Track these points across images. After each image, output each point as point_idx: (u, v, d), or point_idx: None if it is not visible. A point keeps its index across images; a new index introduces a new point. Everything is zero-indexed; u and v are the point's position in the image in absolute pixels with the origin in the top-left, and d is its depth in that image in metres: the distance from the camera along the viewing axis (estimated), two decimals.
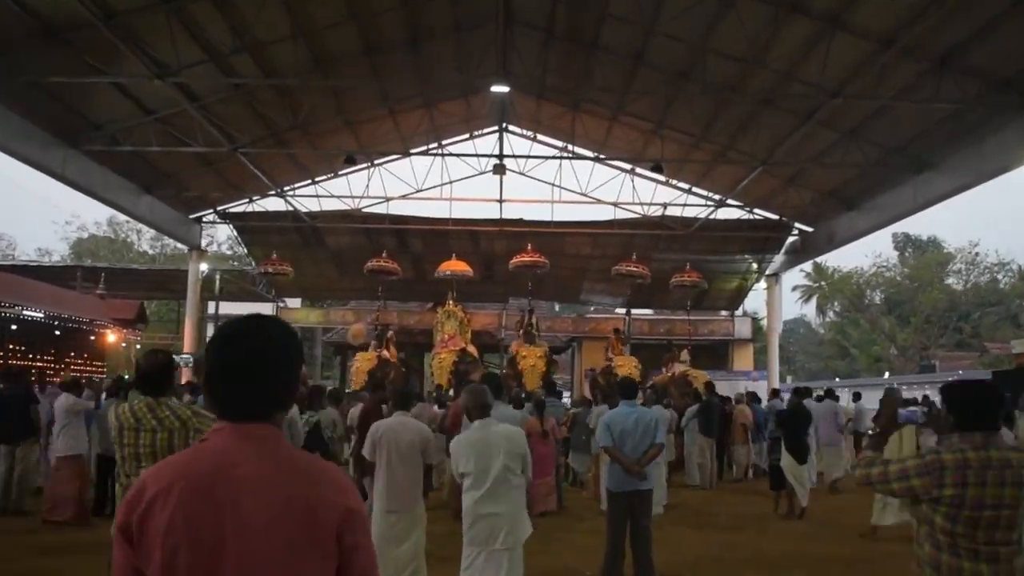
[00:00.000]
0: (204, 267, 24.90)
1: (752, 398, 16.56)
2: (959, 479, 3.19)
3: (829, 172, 20.78)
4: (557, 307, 37.01)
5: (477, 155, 23.12)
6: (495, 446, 5.27)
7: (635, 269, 20.14)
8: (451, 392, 16.10)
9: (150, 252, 37.59)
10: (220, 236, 32.29)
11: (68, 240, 37.36)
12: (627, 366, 18.81)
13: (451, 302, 20.31)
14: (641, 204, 24.27)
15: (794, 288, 57.27)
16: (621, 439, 6.82)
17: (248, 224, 25.34)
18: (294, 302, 33.75)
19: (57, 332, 19.74)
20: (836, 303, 59.52)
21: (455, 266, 20.66)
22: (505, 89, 16.28)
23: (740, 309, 31.41)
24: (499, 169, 20.02)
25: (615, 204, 24.84)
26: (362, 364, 19.18)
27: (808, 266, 51.20)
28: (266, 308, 29.85)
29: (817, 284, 58.79)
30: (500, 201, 24.00)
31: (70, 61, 14.49)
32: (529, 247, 20.50)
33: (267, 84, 17.19)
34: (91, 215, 48.09)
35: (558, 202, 24.61)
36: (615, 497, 6.94)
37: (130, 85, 16.45)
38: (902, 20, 13.61)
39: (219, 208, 24.90)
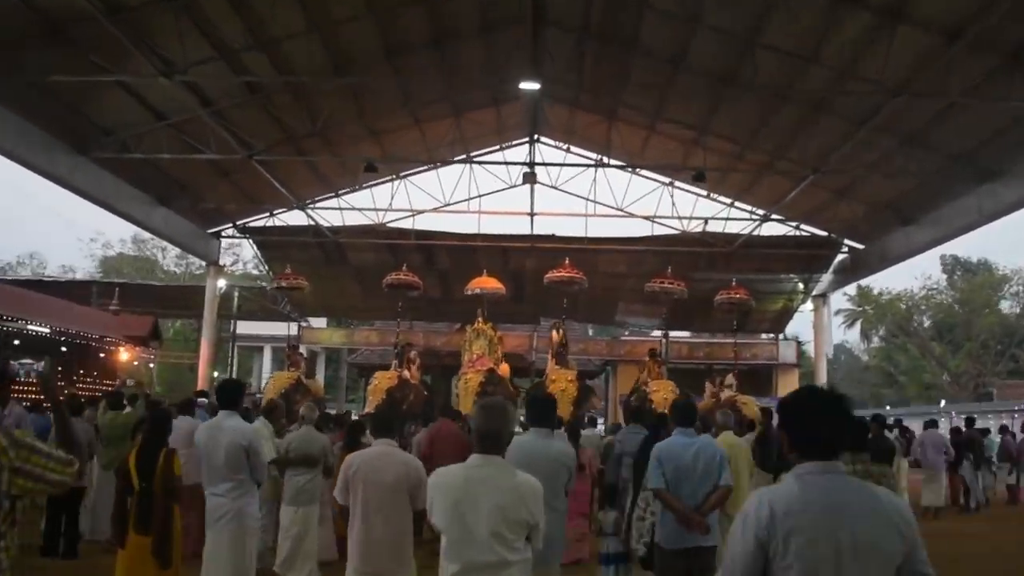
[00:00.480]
0: (222, 284, 23.90)
1: None
2: None
3: (884, 183, 19.35)
4: (591, 331, 35.74)
5: (507, 163, 22.00)
6: (482, 501, 3.53)
7: (670, 285, 18.78)
8: None
9: (175, 271, 36.88)
10: (246, 254, 31.35)
11: (93, 258, 36.73)
12: (664, 390, 17.39)
13: (480, 320, 19.06)
14: (680, 218, 22.97)
15: (837, 312, 55.40)
16: (676, 479, 5.42)
17: (268, 239, 24.32)
18: (318, 322, 32.76)
19: (64, 348, 18.77)
20: (881, 328, 57.59)
21: (486, 283, 19.43)
22: (536, 86, 15.08)
23: (784, 332, 29.88)
24: (529, 177, 18.82)
25: (652, 219, 23.53)
26: (381, 382, 17.95)
27: (851, 290, 49.50)
28: (272, 326, 28.87)
29: (861, 308, 56.93)
30: (531, 214, 22.76)
31: (74, 60, 13.56)
32: (567, 261, 19.23)
33: (282, 82, 16.17)
34: (115, 232, 47.52)
35: (592, 216, 23.34)
36: (668, 556, 5.51)
37: (140, 88, 15.52)
38: (970, 10, 12.30)
39: (238, 222, 23.92)
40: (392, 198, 23.32)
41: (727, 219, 23.27)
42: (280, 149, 18.60)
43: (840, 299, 53.25)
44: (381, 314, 29.09)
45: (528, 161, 21.26)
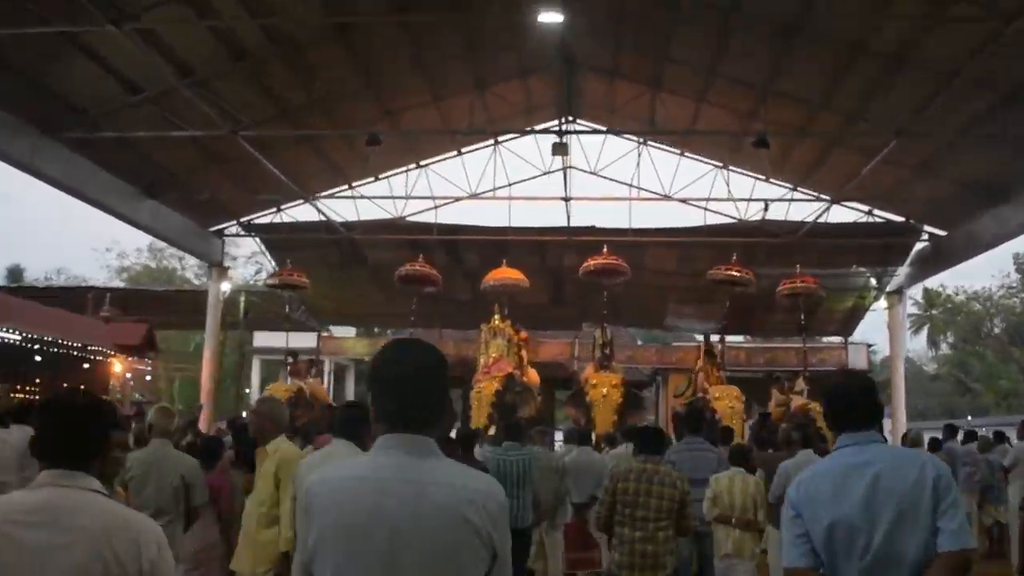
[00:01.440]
0: (226, 287, 21.64)
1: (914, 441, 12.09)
2: None
3: (974, 154, 16.45)
4: (640, 341, 32.92)
5: (536, 133, 19.51)
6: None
7: (736, 274, 16.08)
8: (491, 432, 12.37)
9: (196, 281, 34.92)
10: (244, 255, 28.88)
11: (110, 268, 34.86)
12: (728, 398, 14.79)
13: (497, 317, 16.54)
14: (737, 200, 20.26)
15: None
16: (831, 543, 2.73)
17: (276, 238, 22.04)
18: (343, 331, 30.40)
19: (38, 358, 16.61)
20: (950, 334, 53.98)
21: (505, 274, 16.96)
22: (558, 18, 12.50)
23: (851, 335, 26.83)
24: (559, 149, 16.25)
25: (707, 202, 20.80)
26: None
27: (916, 292, 45.93)
28: (306, 338, 26.51)
29: (927, 312, 53.41)
30: (566, 199, 20.09)
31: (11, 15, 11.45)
32: (605, 249, 16.69)
33: (269, 44, 13.90)
34: (131, 241, 45.48)
35: (636, 199, 20.72)
36: None
37: (103, 51, 13.34)
38: None
39: (243, 219, 21.70)
40: (412, 187, 20.97)
41: (792, 199, 20.45)
42: (274, 125, 16.23)
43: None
44: (405, 319, 26.64)
45: (559, 130, 18.71)
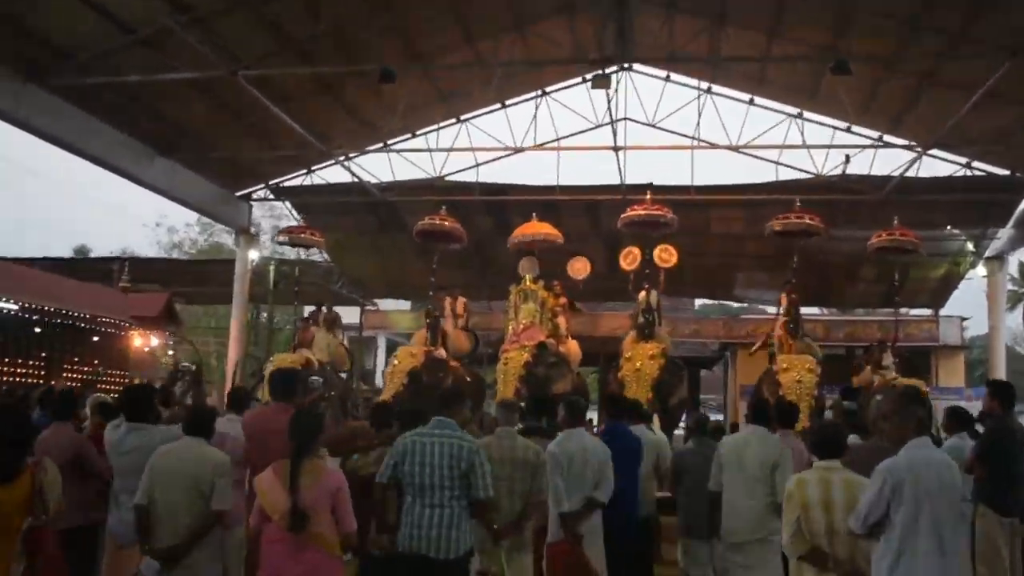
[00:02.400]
0: (254, 256, 20.14)
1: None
2: None
3: None
4: (697, 304, 30.23)
5: (584, 79, 17.39)
6: None
7: (811, 222, 13.83)
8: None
9: None
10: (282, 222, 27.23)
11: (160, 244, 33.78)
12: (796, 368, 12.60)
13: (528, 277, 14.57)
14: (812, 148, 17.89)
15: None
16: None
17: (307, 201, 20.45)
18: (393, 304, 28.74)
19: (37, 329, 15.32)
20: None
21: (536, 229, 15.01)
22: None
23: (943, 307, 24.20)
24: (601, 82, 14.20)
25: (780, 152, 18.52)
26: (402, 362, 13.67)
27: (1012, 267, 42.27)
28: (352, 313, 24.96)
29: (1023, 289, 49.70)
30: (616, 149, 17.91)
31: None
32: (648, 196, 14.62)
33: None
34: (179, 216, 43.90)
35: (699, 147, 18.53)
36: None
37: None
38: None
39: (272, 182, 20.16)
40: (451, 144, 19.15)
41: (879, 145, 17.96)
42: (275, 59, 14.44)
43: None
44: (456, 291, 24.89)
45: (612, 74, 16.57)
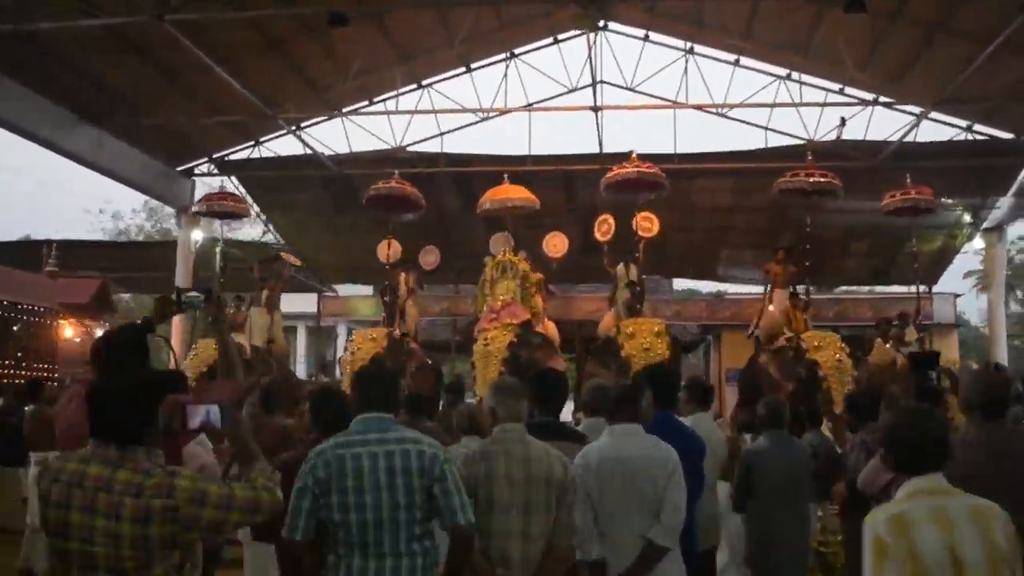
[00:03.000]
0: (198, 236, 18.38)
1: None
2: None
3: None
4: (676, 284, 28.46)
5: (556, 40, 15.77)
6: None
7: (823, 180, 12.43)
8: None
9: None
10: None
11: (105, 232, 31.71)
12: (830, 347, 11.26)
13: (507, 249, 13.06)
14: (802, 106, 16.50)
15: (966, 275, 47.12)
16: None
17: (256, 176, 18.69)
18: (354, 290, 26.97)
19: None
20: (1019, 291, 49.54)
21: (508, 193, 13.51)
22: None
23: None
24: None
25: (769, 112, 17.10)
26: (362, 346, 12.09)
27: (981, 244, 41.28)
28: (304, 299, 23.34)
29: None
30: (595, 110, 16.30)
31: None
32: (634, 155, 13.13)
33: None
34: (127, 201, 41.26)
35: (684, 107, 17.05)
36: None
37: None
38: None
39: (215, 156, 18.39)
40: (413, 115, 17.54)
41: (877, 103, 16.59)
42: (213, 7, 12.73)
43: (970, 260, 44.52)
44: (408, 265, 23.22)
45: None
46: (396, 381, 3.93)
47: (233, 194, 14.91)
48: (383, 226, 17.48)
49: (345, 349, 12.41)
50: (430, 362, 12.98)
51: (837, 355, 11.02)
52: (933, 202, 12.60)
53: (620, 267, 12.78)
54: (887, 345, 12.30)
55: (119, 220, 31.86)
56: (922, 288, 22.12)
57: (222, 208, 13.83)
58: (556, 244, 14.31)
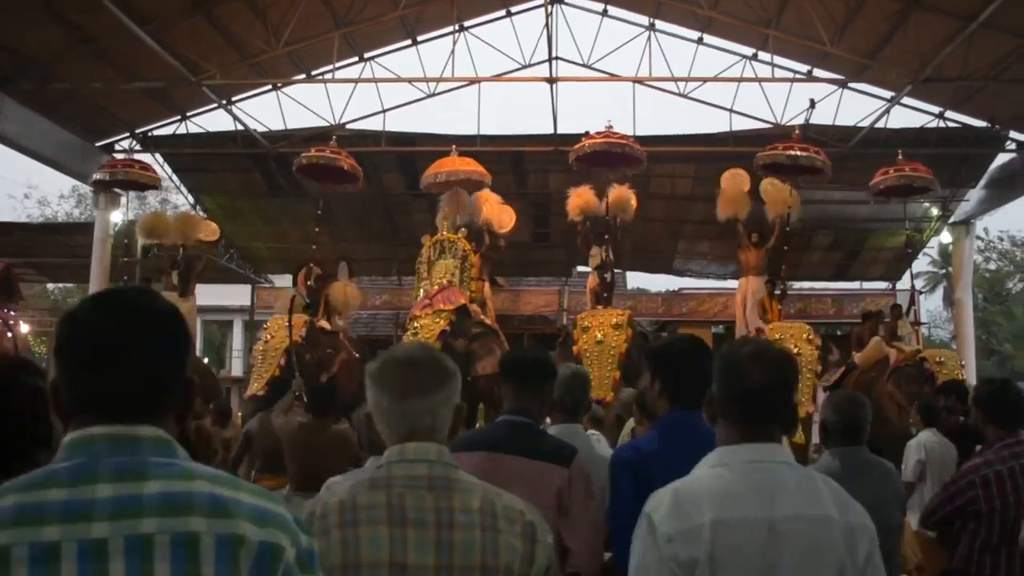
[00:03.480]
0: (117, 218, 16.87)
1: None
2: None
3: None
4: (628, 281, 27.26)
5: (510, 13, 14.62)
6: None
7: (816, 155, 11.51)
8: None
9: None
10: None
11: (31, 219, 29.65)
12: (793, 338, 10.26)
13: (445, 225, 11.83)
14: (774, 81, 15.50)
15: (916, 275, 47.08)
16: None
17: (183, 154, 17.23)
18: (287, 280, 25.52)
19: None
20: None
21: (455, 166, 12.32)
22: None
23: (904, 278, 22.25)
24: None
25: (737, 83, 16.20)
26: (276, 334, 10.76)
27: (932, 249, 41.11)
28: (238, 291, 21.95)
29: (944, 270, 49.09)
30: (551, 81, 14.99)
31: None
32: (609, 124, 12.00)
33: None
34: (52, 185, 38.50)
35: (643, 81, 16.02)
36: None
37: None
38: None
39: (138, 131, 16.89)
40: (353, 88, 16.25)
41: (847, 86, 15.72)
42: None
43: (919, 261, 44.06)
44: (366, 266, 21.84)
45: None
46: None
47: (141, 161, 13.52)
48: (321, 212, 16.25)
49: (258, 338, 11.06)
50: (359, 355, 11.67)
51: (798, 347, 9.97)
52: (931, 180, 11.72)
53: (594, 249, 11.64)
54: (877, 340, 11.29)
55: (45, 206, 29.90)
56: (884, 285, 21.66)
57: (127, 176, 12.41)
58: (505, 219, 13.08)
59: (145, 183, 13.26)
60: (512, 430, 3.01)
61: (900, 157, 12.16)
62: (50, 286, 26.93)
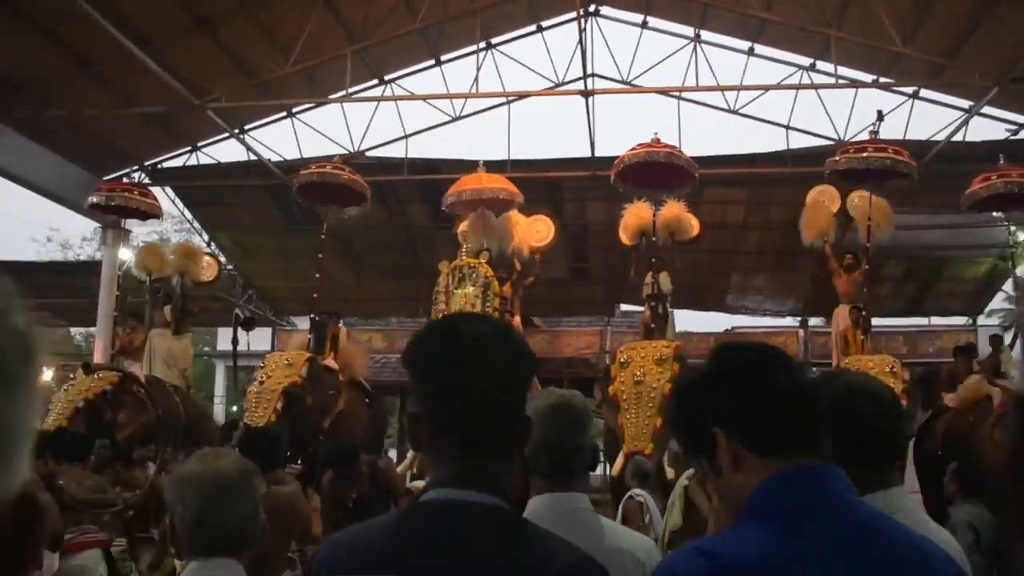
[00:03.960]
0: (126, 256, 15.76)
1: None
2: None
3: None
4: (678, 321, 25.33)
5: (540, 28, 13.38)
6: None
7: (900, 157, 9.93)
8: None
9: None
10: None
11: (51, 260, 28.83)
12: (875, 369, 8.61)
13: (465, 249, 10.35)
14: (828, 87, 13.90)
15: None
16: None
17: (194, 187, 16.11)
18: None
19: None
20: None
21: (483, 183, 10.92)
22: None
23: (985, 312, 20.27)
24: None
25: (796, 90, 14.58)
26: (273, 373, 9.34)
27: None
28: (258, 334, 20.66)
29: None
30: (585, 94, 13.54)
31: None
32: (655, 136, 10.48)
33: None
34: (74, 227, 37.49)
35: (689, 92, 14.55)
36: None
37: None
38: None
39: (147, 163, 15.82)
40: (375, 113, 15.05)
41: (918, 96, 14.10)
42: None
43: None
44: (391, 305, 20.49)
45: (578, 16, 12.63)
46: None
47: (142, 185, 12.35)
48: (343, 249, 14.97)
49: (254, 378, 9.71)
50: (368, 400, 10.24)
51: (889, 379, 8.28)
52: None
53: (649, 276, 10.13)
54: (978, 379, 9.47)
55: (68, 249, 29.10)
56: (964, 320, 19.67)
57: (125, 202, 11.24)
58: (540, 230, 11.62)
59: (146, 211, 12.04)
60: (450, 529, 1.45)
61: (1002, 162, 10.39)
62: (72, 330, 26.02)
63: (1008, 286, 18.69)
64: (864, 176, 9.95)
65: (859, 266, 10.37)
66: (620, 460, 7.79)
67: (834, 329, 10.44)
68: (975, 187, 10.11)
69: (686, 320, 24.67)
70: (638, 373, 8.27)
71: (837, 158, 9.95)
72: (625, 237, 11.14)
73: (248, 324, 8.19)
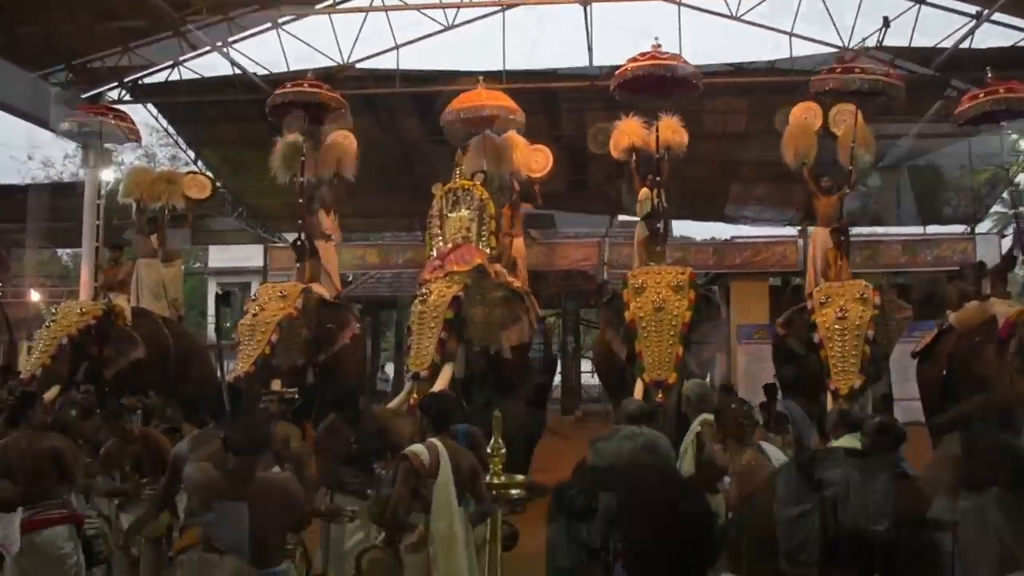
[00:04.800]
0: (109, 177, 15.34)
1: None
2: None
3: None
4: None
5: None
6: None
7: (884, 77, 9.59)
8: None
9: None
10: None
11: (36, 181, 27.97)
12: (841, 296, 8.31)
13: (459, 171, 9.97)
14: None
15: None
16: None
17: (177, 103, 15.61)
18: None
19: None
20: None
21: (482, 100, 10.45)
22: None
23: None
24: None
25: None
26: (267, 306, 9.00)
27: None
28: (250, 250, 20.41)
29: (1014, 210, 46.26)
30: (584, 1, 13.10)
31: None
32: (655, 43, 10.03)
33: None
34: (57, 148, 36.13)
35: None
36: None
37: None
38: None
39: (128, 79, 15.27)
40: (363, 21, 14.49)
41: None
42: None
43: None
44: (382, 221, 20.21)
45: None
46: None
47: (117, 109, 11.85)
48: None
49: (244, 310, 9.40)
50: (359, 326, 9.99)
51: (840, 308, 8.12)
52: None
53: (644, 190, 9.81)
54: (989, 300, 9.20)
55: (49, 167, 28.23)
56: (963, 228, 19.48)
57: (99, 127, 10.82)
58: (539, 160, 11.24)
59: (121, 134, 11.57)
60: None
61: (989, 77, 9.95)
62: (60, 251, 25.64)
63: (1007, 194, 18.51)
64: (846, 97, 9.59)
65: (837, 189, 9.99)
66: (639, 387, 7.64)
67: (812, 250, 10.11)
68: (964, 105, 9.73)
69: (685, 228, 24.53)
70: (656, 299, 8.04)
71: (824, 78, 9.57)
72: (617, 152, 10.77)
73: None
